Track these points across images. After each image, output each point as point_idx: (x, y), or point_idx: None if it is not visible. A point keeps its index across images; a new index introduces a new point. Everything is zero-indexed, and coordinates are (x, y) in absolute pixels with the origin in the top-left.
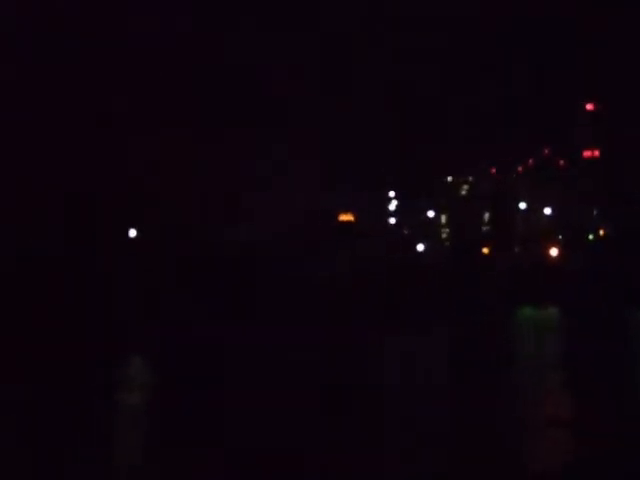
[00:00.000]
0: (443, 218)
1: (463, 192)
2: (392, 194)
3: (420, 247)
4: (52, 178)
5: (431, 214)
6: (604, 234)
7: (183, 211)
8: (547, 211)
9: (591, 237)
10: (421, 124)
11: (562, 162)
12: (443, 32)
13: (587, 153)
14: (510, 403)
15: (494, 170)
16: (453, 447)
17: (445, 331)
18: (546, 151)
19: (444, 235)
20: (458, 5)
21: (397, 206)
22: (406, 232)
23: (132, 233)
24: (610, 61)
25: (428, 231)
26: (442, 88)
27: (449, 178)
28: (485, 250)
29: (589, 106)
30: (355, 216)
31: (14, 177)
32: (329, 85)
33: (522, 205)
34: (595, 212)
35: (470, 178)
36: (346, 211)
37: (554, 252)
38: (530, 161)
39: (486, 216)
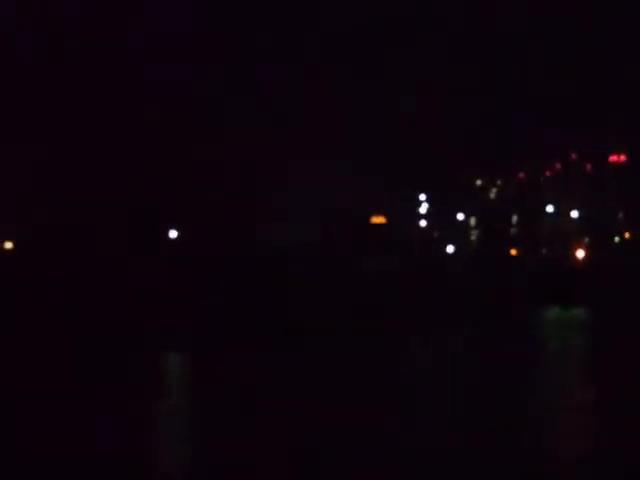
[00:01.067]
0: (472, 221)
1: (492, 195)
2: (423, 197)
3: (450, 249)
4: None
5: (461, 217)
6: (630, 237)
7: (217, 212)
8: (574, 214)
9: (617, 239)
10: (450, 129)
11: (589, 166)
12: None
13: (613, 158)
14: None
15: (522, 174)
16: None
17: (471, 331)
18: (573, 156)
19: (473, 237)
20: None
21: (427, 209)
22: (436, 234)
23: (172, 234)
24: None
25: (457, 233)
26: (469, 92)
27: (478, 182)
28: (513, 252)
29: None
30: (387, 218)
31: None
32: (360, 87)
33: (549, 208)
34: (621, 215)
35: (499, 182)
36: (377, 214)
37: (581, 254)
38: (557, 165)
39: (514, 219)
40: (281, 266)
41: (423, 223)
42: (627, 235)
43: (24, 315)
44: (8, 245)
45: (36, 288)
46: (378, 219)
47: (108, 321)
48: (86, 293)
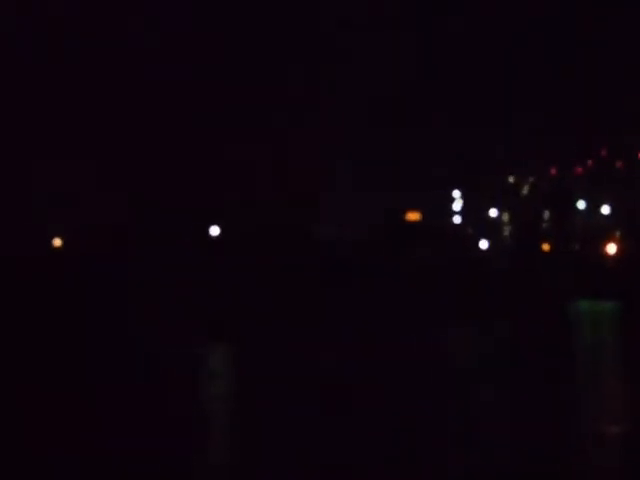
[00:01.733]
0: (505, 216)
1: (524, 192)
2: (456, 194)
3: (483, 244)
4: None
5: (494, 213)
6: None
7: (259, 210)
8: (605, 210)
9: None
10: (483, 127)
11: (619, 163)
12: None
13: None
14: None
15: (554, 171)
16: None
17: (505, 324)
18: (603, 152)
19: (506, 233)
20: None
21: (461, 206)
22: (470, 230)
23: (214, 231)
24: None
25: (491, 229)
26: (503, 91)
27: (511, 179)
28: (546, 246)
29: None
30: (421, 215)
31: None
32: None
33: (581, 204)
34: None
35: (531, 179)
36: (412, 210)
37: (612, 249)
38: (589, 162)
39: (546, 214)
40: (319, 263)
41: (457, 219)
42: None
43: (70, 310)
44: (57, 242)
45: (82, 284)
46: (413, 215)
47: (153, 316)
48: (130, 290)
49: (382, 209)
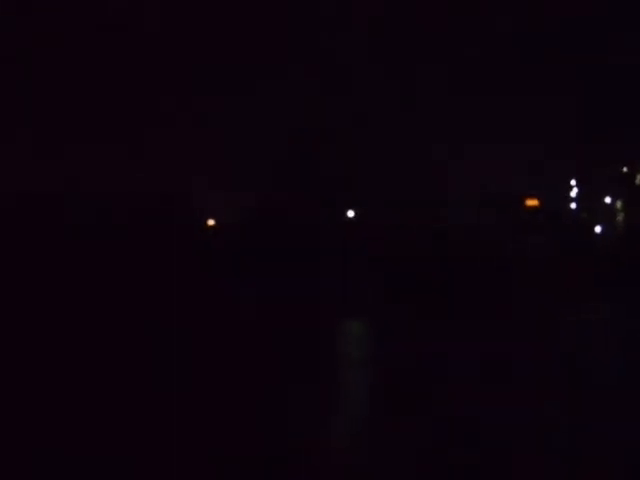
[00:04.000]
0: (618, 204)
1: (637, 181)
2: (573, 182)
3: (597, 229)
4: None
5: (608, 200)
6: None
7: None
8: None
9: None
10: (601, 124)
11: None
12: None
13: None
14: None
15: None
16: None
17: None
18: None
19: (619, 218)
20: None
21: (577, 193)
22: (585, 216)
23: (350, 214)
24: None
25: (605, 215)
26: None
27: (624, 169)
28: None
29: None
30: (540, 201)
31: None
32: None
33: None
34: None
35: None
36: (532, 197)
37: None
38: None
39: None
40: (440, 247)
41: (573, 205)
42: None
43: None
44: (210, 222)
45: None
46: (532, 202)
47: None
48: (275, 268)
49: (501, 197)
